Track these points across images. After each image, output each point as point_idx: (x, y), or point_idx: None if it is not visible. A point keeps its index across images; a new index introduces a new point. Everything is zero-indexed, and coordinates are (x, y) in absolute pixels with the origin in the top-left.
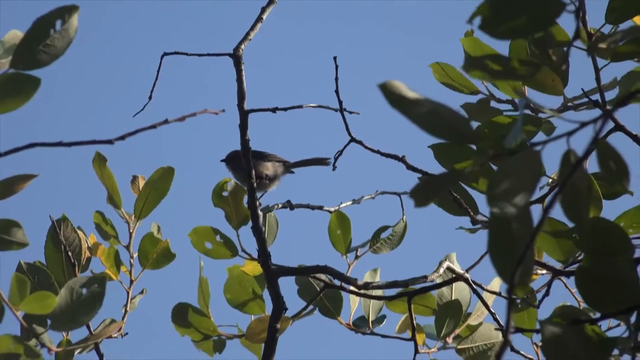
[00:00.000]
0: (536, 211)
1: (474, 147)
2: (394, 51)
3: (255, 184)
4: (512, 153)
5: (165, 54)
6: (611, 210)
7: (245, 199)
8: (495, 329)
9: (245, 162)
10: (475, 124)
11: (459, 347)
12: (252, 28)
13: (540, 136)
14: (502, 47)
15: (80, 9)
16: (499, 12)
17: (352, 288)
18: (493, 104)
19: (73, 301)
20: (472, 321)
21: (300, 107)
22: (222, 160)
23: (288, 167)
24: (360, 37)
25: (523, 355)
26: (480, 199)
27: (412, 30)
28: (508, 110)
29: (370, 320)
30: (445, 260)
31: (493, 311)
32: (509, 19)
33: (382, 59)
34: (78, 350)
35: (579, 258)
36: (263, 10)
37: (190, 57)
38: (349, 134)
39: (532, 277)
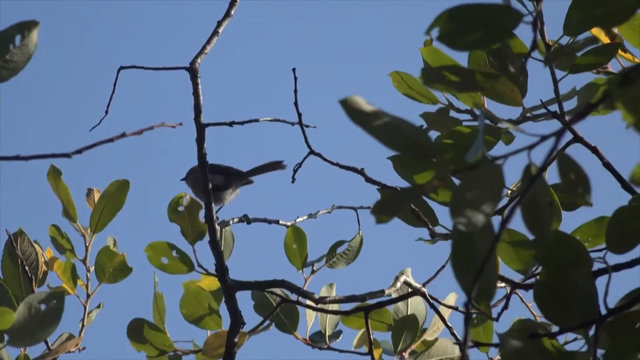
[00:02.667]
0: (496, 222)
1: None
2: (354, 59)
3: (212, 198)
4: (473, 167)
5: (122, 67)
6: (567, 221)
7: (202, 213)
8: (454, 344)
9: (202, 176)
10: (435, 134)
11: None
12: (209, 42)
13: (500, 146)
14: (461, 55)
15: (39, 25)
16: (456, 24)
17: (309, 302)
18: (452, 113)
19: (31, 317)
20: (428, 336)
21: (257, 120)
22: (182, 179)
23: (244, 176)
24: (320, 47)
25: None
26: (440, 210)
27: (371, 38)
28: (467, 120)
29: (327, 335)
30: (402, 274)
31: (450, 325)
32: (466, 31)
33: (342, 67)
34: None
35: (537, 271)
36: (219, 23)
37: (147, 71)
38: (308, 146)
39: (494, 291)
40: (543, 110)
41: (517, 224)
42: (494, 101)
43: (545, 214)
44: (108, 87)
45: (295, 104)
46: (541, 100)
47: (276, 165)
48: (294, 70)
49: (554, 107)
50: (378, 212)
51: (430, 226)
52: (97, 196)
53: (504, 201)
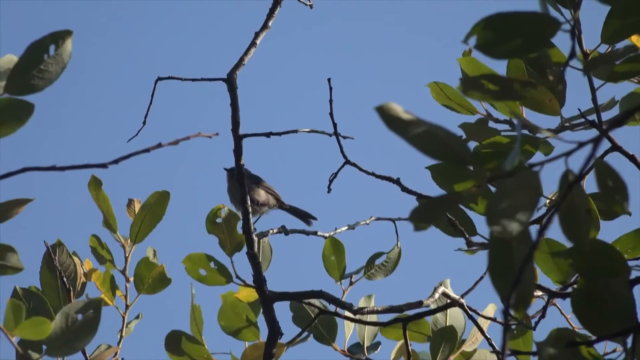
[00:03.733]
0: (534, 232)
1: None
2: (392, 71)
3: (250, 209)
4: (510, 175)
5: (160, 78)
6: (606, 231)
7: (239, 225)
8: (491, 352)
9: (240, 187)
10: (473, 144)
11: None
12: (246, 53)
13: (538, 156)
14: (499, 66)
15: (73, 34)
16: (493, 32)
17: (347, 314)
18: (491, 123)
19: (68, 327)
20: (467, 347)
21: (294, 131)
22: (225, 168)
23: (280, 203)
24: (355, 59)
25: None
26: (478, 220)
27: (408, 49)
28: (506, 130)
29: (365, 346)
30: (440, 285)
31: (488, 336)
32: (504, 39)
33: (378, 79)
34: None
35: (574, 281)
36: (257, 35)
37: (184, 82)
38: (344, 156)
39: (532, 299)
40: (581, 120)
41: (557, 234)
42: (532, 111)
43: (583, 221)
44: (143, 97)
45: (331, 114)
46: (579, 110)
47: (307, 217)
48: (329, 80)
49: (593, 117)
50: (416, 219)
51: (467, 235)
52: (137, 207)
53: (542, 211)
